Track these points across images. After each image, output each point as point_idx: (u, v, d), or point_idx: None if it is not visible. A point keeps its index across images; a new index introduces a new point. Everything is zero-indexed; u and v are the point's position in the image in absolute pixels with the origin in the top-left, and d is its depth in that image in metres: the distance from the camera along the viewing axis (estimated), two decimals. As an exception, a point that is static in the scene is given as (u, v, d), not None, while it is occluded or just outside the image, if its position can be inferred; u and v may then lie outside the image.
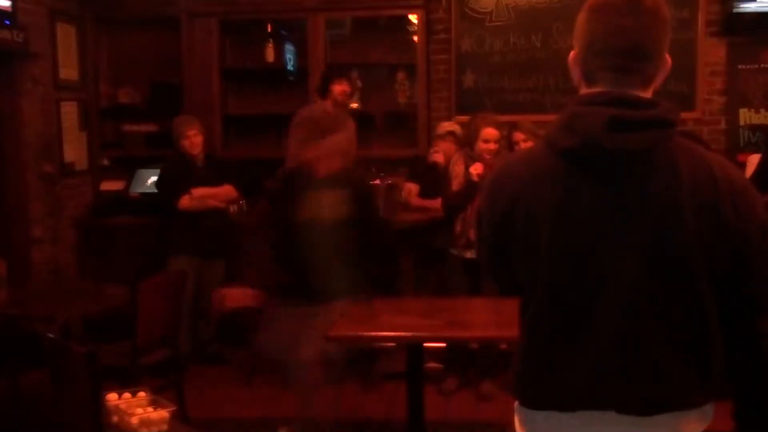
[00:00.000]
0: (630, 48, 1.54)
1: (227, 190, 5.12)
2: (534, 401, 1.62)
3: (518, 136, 4.87)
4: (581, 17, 1.58)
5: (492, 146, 4.49)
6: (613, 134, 1.46)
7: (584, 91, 1.58)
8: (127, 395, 2.74)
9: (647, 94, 1.57)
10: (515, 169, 1.61)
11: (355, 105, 5.99)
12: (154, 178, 5.56)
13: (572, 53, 1.62)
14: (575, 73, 1.62)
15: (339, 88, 5.09)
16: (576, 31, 1.60)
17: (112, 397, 2.72)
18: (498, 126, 4.53)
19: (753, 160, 4.77)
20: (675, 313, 1.52)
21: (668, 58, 1.64)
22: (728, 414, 1.64)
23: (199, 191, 4.99)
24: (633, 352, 1.52)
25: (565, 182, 1.51)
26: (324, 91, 5.13)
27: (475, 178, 4.46)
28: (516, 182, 1.57)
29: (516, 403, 1.68)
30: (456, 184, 4.56)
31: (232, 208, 5.78)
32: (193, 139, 5.02)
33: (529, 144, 4.80)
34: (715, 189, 1.50)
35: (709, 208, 1.49)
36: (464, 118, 5.29)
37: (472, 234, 4.54)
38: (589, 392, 1.55)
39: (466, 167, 4.52)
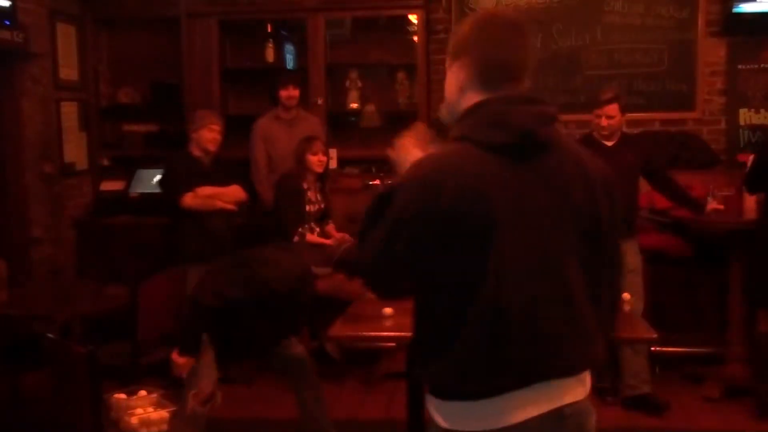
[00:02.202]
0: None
1: (235, 190, 4.83)
2: (482, 390, 1.67)
3: None
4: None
5: None
6: (543, 127, 1.72)
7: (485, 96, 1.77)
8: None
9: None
10: (450, 166, 1.68)
11: (355, 105, 6.01)
12: (157, 178, 5.52)
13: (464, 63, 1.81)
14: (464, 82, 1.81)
15: (285, 93, 5.13)
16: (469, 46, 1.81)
17: (119, 396, 2.72)
18: None
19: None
20: (592, 280, 1.74)
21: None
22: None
23: (205, 190, 4.70)
24: (571, 321, 1.69)
25: (504, 173, 1.66)
26: (274, 98, 5.18)
27: None
28: (455, 178, 1.64)
29: (437, 400, 1.72)
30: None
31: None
32: (216, 135, 4.76)
33: None
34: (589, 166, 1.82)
35: (597, 180, 1.80)
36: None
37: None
38: (536, 366, 1.67)
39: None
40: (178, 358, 3.31)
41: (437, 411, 1.73)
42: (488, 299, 1.62)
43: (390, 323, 3.32)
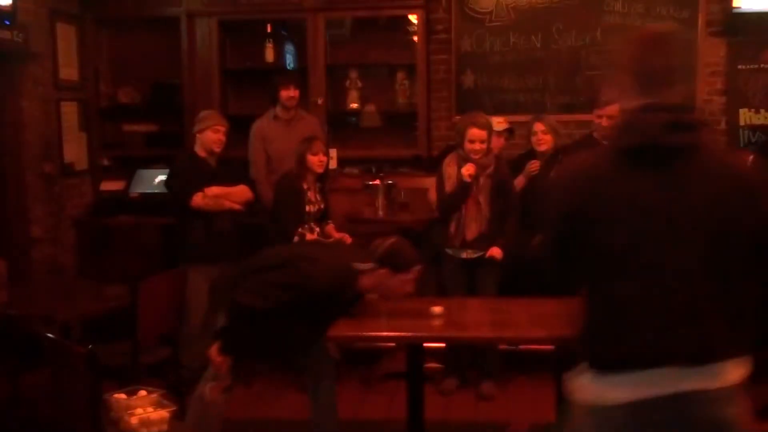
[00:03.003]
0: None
1: (242, 191, 4.85)
2: (610, 363, 1.91)
3: (538, 126, 4.80)
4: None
5: (477, 147, 4.46)
6: (670, 134, 1.86)
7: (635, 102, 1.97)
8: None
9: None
10: (582, 167, 1.98)
11: (355, 105, 6.02)
12: (160, 178, 5.51)
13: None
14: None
15: (286, 93, 5.12)
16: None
17: (119, 396, 2.72)
18: (484, 126, 4.49)
19: (752, 161, 4.79)
20: (722, 279, 1.87)
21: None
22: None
23: (213, 190, 4.71)
24: (691, 315, 1.86)
25: (629, 175, 1.88)
26: (274, 98, 5.17)
27: (468, 179, 4.46)
28: (586, 178, 1.93)
29: (581, 369, 1.97)
30: (449, 185, 4.57)
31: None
32: (221, 136, 4.77)
33: (548, 137, 4.78)
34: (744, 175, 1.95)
35: (745, 189, 1.90)
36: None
37: (467, 234, 4.55)
38: (656, 350, 1.87)
39: (459, 168, 4.52)
40: (216, 356, 3.28)
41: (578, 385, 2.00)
42: (602, 289, 1.90)
43: (438, 322, 3.31)
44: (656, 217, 1.86)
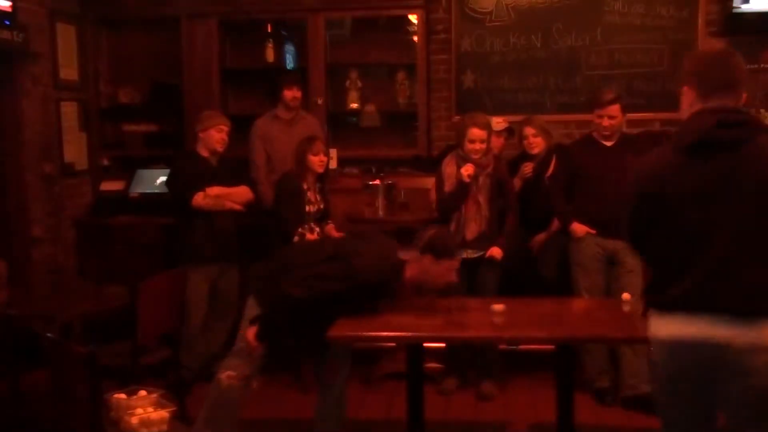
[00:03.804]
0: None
1: (243, 191, 4.86)
2: (666, 305, 2.37)
3: (528, 130, 4.87)
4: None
5: (478, 146, 4.47)
6: (720, 131, 2.30)
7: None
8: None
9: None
10: (656, 159, 2.46)
11: (355, 105, 6.02)
12: (160, 178, 5.51)
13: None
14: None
15: (290, 93, 5.14)
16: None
17: (119, 396, 2.72)
18: (484, 126, 4.50)
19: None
20: (765, 244, 2.28)
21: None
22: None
23: (214, 190, 4.73)
24: (736, 272, 2.27)
25: (681, 166, 2.35)
26: (276, 97, 5.19)
27: (466, 179, 4.46)
28: (658, 167, 2.42)
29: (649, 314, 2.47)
30: (449, 185, 4.57)
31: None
32: (224, 135, 4.79)
33: (539, 139, 4.86)
34: None
35: None
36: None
37: (467, 233, 4.55)
38: (706, 299, 2.29)
39: (458, 168, 4.52)
40: (253, 340, 3.31)
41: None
42: (664, 247, 2.40)
43: (500, 320, 3.33)
44: (710, 194, 2.30)
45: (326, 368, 3.67)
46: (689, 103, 2.47)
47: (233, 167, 4.94)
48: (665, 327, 2.37)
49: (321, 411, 3.69)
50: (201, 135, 4.80)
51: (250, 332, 3.33)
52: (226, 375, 3.42)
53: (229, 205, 4.76)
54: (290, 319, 3.31)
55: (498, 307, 3.38)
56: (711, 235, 2.31)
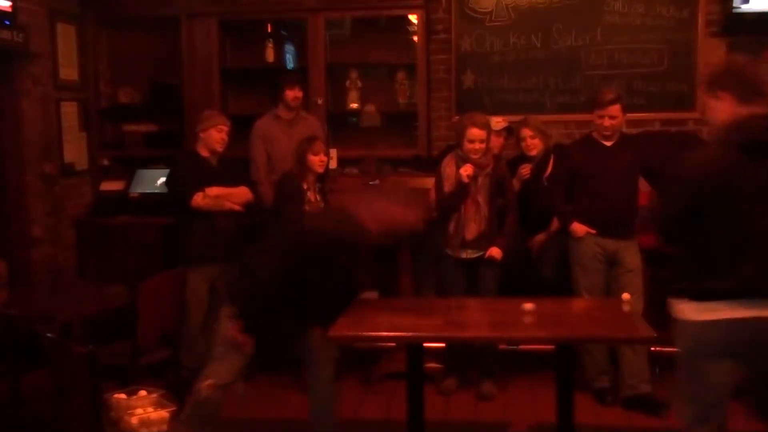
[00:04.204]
0: None
1: (243, 191, 4.84)
2: (710, 294, 2.63)
3: (526, 132, 4.86)
4: None
5: (477, 146, 4.47)
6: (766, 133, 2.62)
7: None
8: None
9: None
10: (706, 157, 2.74)
11: (355, 105, 6.02)
12: (160, 179, 5.50)
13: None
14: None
15: (291, 93, 5.14)
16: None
17: (119, 396, 2.72)
18: (483, 126, 4.50)
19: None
20: None
21: None
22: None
23: (214, 190, 4.70)
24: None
25: (738, 161, 2.62)
26: (277, 97, 5.19)
27: (465, 180, 4.46)
28: (709, 164, 2.68)
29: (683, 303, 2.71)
30: (448, 186, 4.57)
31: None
32: (224, 135, 4.77)
33: (537, 141, 4.86)
34: None
35: None
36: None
37: (467, 233, 4.55)
38: (759, 289, 2.60)
39: (457, 168, 4.52)
40: (238, 335, 3.28)
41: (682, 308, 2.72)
42: (713, 239, 2.65)
43: (529, 320, 3.32)
44: (756, 189, 2.59)
45: (309, 367, 3.65)
46: (727, 107, 2.71)
47: (233, 167, 4.93)
48: (709, 312, 2.63)
49: (314, 408, 3.67)
50: (201, 135, 4.79)
51: (233, 329, 3.28)
52: (206, 385, 3.37)
53: (228, 205, 4.75)
54: (268, 302, 3.24)
55: (528, 306, 3.37)
56: (757, 226, 2.61)
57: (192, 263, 4.66)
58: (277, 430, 4.30)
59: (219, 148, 4.79)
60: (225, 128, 4.80)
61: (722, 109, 2.71)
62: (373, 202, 3.25)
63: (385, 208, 3.25)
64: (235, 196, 4.80)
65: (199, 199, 4.67)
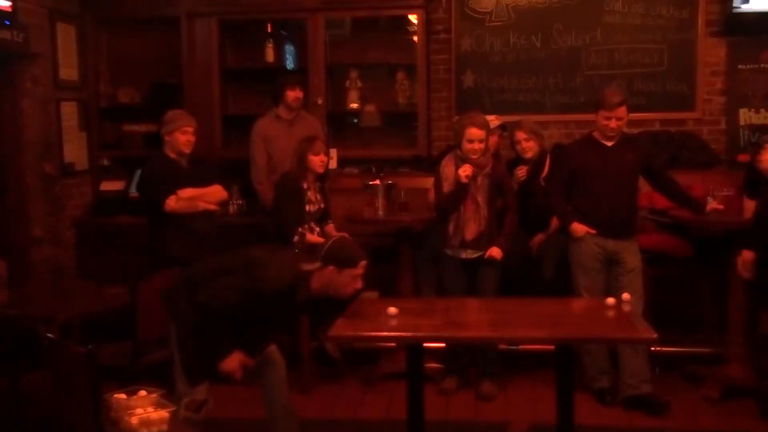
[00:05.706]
0: None
1: (216, 190, 4.72)
2: None
3: (520, 135, 4.87)
4: None
5: (476, 146, 4.46)
6: None
7: None
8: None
9: None
10: None
11: (355, 105, 6.02)
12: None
13: None
14: None
15: (292, 94, 5.14)
16: None
17: (119, 396, 2.72)
18: (483, 126, 4.49)
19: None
20: None
21: None
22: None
23: (186, 192, 4.56)
24: None
25: None
26: (278, 98, 5.17)
27: (464, 180, 4.45)
28: None
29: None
30: (447, 186, 4.57)
31: (232, 208, 5.75)
32: (189, 137, 4.63)
33: (531, 143, 4.86)
34: None
35: None
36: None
37: (466, 234, 4.55)
38: None
39: (456, 168, 4.52)
40: (227, 366, 3.29)
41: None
42: None
43: (395, 323, 3.31)
44: None
45: (265, 369, 3.63)
46: None
47: (204, 167, 4.80)
48: None
49: (273, 414, 3.64)
50: (166, 138, 4.63)
51: (230, 363, 3.29)
52: (185, 403, 3.34)
53: (203, 205, 4.61)
54: (218, 330, 3.28)
55: (392, 310, 3.34)
56: None
57: (168, 267, 4.55)
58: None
59: (186, 150, 4.62)
60: (190, 129, 4.62)
61: None
62: (325, 269, 3.28)
63: (333, 277, 3.28)
64: (209, 196, 4.67)
65: (172, 203, 4.51)
